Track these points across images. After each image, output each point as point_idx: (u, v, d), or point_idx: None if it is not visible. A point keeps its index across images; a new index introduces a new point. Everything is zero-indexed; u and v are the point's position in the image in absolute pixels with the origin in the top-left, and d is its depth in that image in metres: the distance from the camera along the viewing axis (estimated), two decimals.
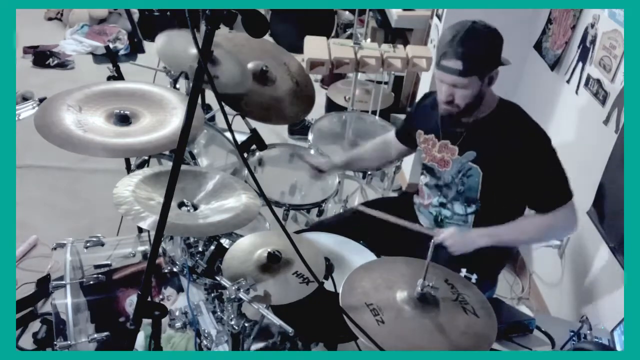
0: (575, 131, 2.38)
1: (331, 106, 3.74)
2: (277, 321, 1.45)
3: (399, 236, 1.85)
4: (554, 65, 2.54)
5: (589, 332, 1.71)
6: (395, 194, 2.94)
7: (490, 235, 1.77)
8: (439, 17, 2.81)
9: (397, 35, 3.90)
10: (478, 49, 1.63)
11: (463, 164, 1.78)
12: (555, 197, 1.73)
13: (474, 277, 1.54)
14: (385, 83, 3.92)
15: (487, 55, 1.65)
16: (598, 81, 2.19)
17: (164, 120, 1.67)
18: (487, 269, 1.87)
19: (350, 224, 1.97)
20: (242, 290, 1.45)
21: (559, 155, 1.73)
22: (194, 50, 2.01)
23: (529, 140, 1.71)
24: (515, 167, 1.70)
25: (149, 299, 1.25)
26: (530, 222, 1.80)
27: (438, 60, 1.66)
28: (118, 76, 2.14)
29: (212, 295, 1.73)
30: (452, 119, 1.78)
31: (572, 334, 1.69)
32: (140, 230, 2.05)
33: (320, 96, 3.53)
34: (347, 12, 4.93)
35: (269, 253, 1.57)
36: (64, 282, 1.75)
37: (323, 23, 4.72)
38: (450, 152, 1.81)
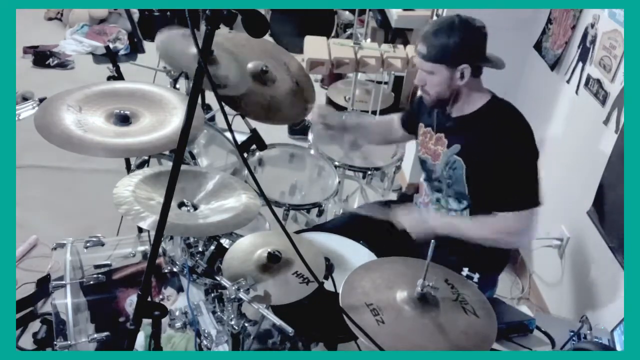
0: (575, 131, 2.38)
1: (331, 106, 3.73)
2: (277, 321, 1.45)
3: (399, 236, 1.85)
4: (554, 65, 2.54)
5: (589, 332, 1.70)
6: (395, 194, 2.94)
7: (448, 224, 1.80)
8: (439, 17, 2.81)
9: (397, 35, 3.90)
10: (444, 37, 1.65)
11: (449, 156, 1.80)
12: (522, 199, 1.72)
13: (475, 276, 1.54)
14: (385, 83, 3.92)
15: (454, 46, 1.65)
16: (598, 81, 2.19)
17: (164, 120, 1.66)
18: (488, 269, 1.87)
19: (350, 227, 1.97)
20: (242, 290, 1.45)
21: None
22: (194, 50, 2.01)
23: (513, 138, 1.71)
24: (495, 163, 1.71)
25: (149, 299, 1.25)
26: (490, 221, 1.78)
27: (416, 45, 1.73)
28: (118, 76, 2.14)
29: (212, 295, 1.73)
30: (443, 112, 1.82)
31: (572, 334, 1.69)
32: (140, 230, 2.04)
33: (320, 96, 3.53)
34: (347, 12, 4.92)
35: (269, 253, 1.57)
36: (64, 282, 1.75)
37: (323, 23, 4.71)
38: (442, 145, 1.84)
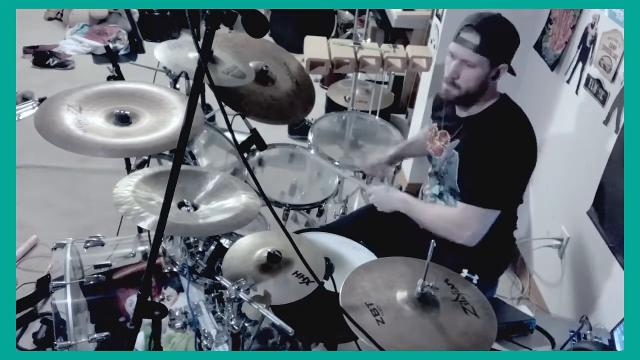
0: (575, 131, 2.38)
1: (331, 106, 3.74)
2: (277, 321, 1.45)
3: (399, 236, 1.86)
4: (554, 65, 2.54)
5: (589, 332, 1.71)
6: None
7: (405, 202, 1.86)
8: (439, 17, 2.81)
9: (397, 35, 3.90)
10: (499, 31, 1.66)
11: (449, 151, 1.82)
12: (485, 196, 1.70)
13: (475, 278, 1.54)
14: (385, 83, 3.92)
15: (505, 42, 1.68)
16: (598, 81, 2.19)
17: (164, 120, 1.66)
18: (488, 270, 1.87)
19: (350, 227, 1.97)
20: (242, 290, 1.45)
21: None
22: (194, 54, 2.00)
23: (509, 139, 1.70)
24: (484, 158, 1.69)
25: (149, 299, 1.25)
26: (438, 208, 1.87)
27: (457, 34, 1.69)
28: (118, 76, 2.14)
29: (212, 295, 1.73)
30: (452, 111, 1.83)
31: (572, 334, 1.69)
32: (140, 230, 2.05)
33: (320, 96, 3.53)
34: (347, 12, 4.92)
35: (269, 253, 1.57)
36: (64, 282, 1.75)
37: (323, 23, 4.72)
38: (445, 141, 1.86)
